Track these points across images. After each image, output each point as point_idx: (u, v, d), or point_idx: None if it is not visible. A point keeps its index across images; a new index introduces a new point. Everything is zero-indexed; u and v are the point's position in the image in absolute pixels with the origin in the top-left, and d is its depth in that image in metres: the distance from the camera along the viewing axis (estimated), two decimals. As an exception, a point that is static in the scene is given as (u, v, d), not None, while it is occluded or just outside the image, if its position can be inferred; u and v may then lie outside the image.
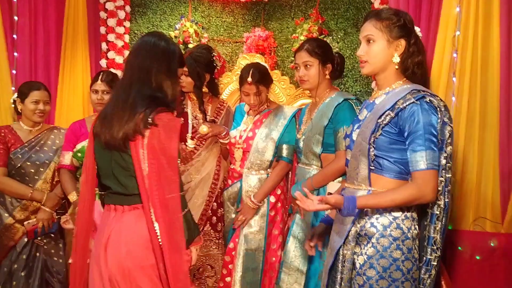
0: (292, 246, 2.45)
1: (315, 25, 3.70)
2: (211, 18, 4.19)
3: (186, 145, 2.53)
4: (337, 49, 3.71)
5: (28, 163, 2.60)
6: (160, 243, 1.59)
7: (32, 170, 2.61)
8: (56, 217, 2.64)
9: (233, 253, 2.69)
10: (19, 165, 2.59)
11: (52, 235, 2.67)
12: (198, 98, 2.63)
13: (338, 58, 2.45)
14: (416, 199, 1.56)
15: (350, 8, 3.70)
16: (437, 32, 2.47)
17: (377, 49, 1.66)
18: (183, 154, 2.58)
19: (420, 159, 1.54)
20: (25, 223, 2.55)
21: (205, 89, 2.72)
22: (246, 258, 2.62)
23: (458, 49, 2.41)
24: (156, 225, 1.60)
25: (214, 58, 2.69)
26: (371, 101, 1.75)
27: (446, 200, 1.62)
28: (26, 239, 2.58)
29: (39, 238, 2.62)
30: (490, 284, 2.27)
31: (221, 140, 2.65)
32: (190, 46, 3.88)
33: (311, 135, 2.34)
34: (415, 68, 1.68)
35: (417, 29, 1.71)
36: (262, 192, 2.60)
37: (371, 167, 1.65)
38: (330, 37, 3.75)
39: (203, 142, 2.65)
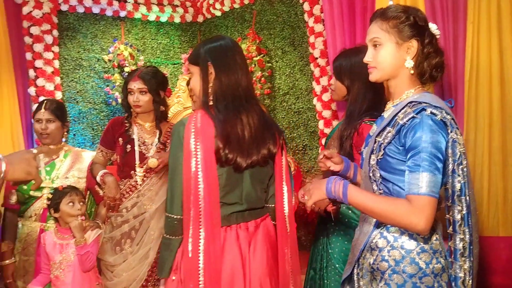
0: None
1: (253, 45, 3.74)
2: (145, 40, 4.10)
3: (136, 174, 2.36)
4: (276, 68, 3.77)
5: None
6: None
7: None
8: None
9: None
10: None
11: None
12: (156, 116, 2.46)
13: None
14: (404, 222, 1.31)
15: (286, 28, 3.78)
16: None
17: (385, 54, 1.44)
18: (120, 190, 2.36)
19: (416, 182, 1.29)
20: None
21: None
22: None
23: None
24: None
25: (165, 75, 2.57)
26: (382, 115, 1.54)
27: (470, 235, 1.36)
28: None
29: None
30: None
31: None
32: (127, 69, 3.75)
33: None
34: (434, 71, 1.44)
35: (433, 26, 1.46)
36: None
37: (379, 191, 1.44)
38: (269, 56, 3.80)
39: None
